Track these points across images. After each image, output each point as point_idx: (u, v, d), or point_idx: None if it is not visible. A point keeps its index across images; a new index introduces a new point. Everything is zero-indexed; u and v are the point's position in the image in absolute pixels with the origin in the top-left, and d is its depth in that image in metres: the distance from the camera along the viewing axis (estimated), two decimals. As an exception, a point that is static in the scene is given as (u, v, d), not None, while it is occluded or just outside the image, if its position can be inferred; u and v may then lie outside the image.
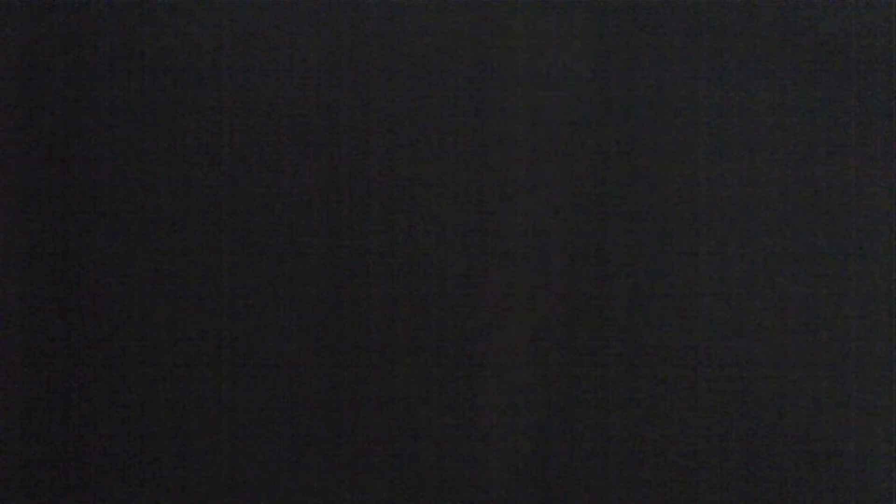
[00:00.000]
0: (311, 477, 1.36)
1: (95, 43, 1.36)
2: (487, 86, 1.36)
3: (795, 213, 1.35)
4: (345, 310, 1.36)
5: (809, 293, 1.35)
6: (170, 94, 1.37)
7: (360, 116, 1.36)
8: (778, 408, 1.34)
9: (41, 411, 1.37)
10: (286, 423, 1.36)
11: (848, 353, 1.35)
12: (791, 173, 1.35)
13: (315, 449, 1.35)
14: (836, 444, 1.33)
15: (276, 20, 1.37)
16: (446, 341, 1.37)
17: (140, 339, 1.38)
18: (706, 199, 1.36)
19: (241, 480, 1.36)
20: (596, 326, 1.35)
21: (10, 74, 1.34)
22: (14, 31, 1.31)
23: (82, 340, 1.37)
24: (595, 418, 1.34)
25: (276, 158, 1.37)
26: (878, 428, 1.33)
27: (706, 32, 1.35)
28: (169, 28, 1.37)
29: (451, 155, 1.36)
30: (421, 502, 1.35)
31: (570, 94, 1.36)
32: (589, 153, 1.35)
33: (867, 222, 1.35)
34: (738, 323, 1.35)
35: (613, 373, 1.35)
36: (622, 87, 1.36)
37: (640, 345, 1.35)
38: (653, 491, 1.34)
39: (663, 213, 1.35)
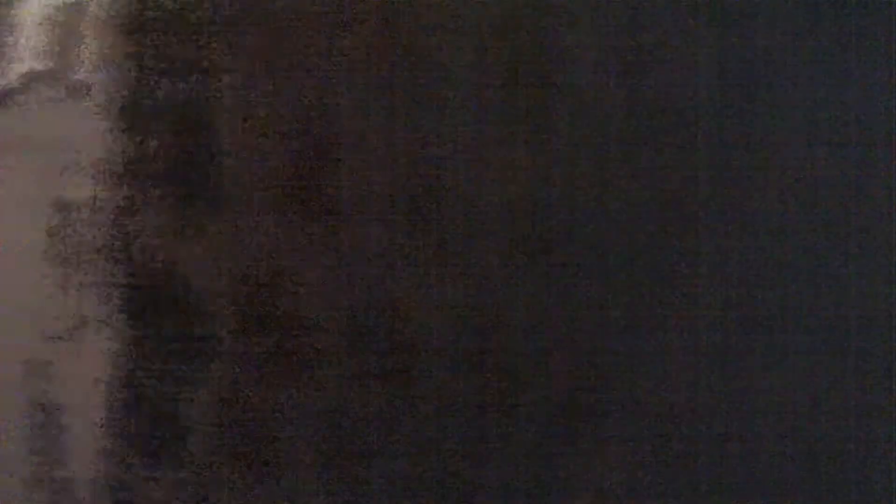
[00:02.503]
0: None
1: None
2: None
3: (795, 212, 1.35)
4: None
5: (809, 293, 1.34)
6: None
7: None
8: (778, 408, 1.34)
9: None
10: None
11: (848, 352, 1.35)
12: (791, 172, 1.35)
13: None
14: (836, 444, 1.33)
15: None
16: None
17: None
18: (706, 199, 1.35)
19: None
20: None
21: None
22: None
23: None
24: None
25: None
26: (878, 428, 1.33)
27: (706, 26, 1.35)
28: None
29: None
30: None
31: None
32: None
33: (867, 222, 1.35)
34: (738, 323, 1.35)
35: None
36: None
37: (640, 344, 1.35)
38: (651, 489, 1.33)
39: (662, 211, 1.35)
